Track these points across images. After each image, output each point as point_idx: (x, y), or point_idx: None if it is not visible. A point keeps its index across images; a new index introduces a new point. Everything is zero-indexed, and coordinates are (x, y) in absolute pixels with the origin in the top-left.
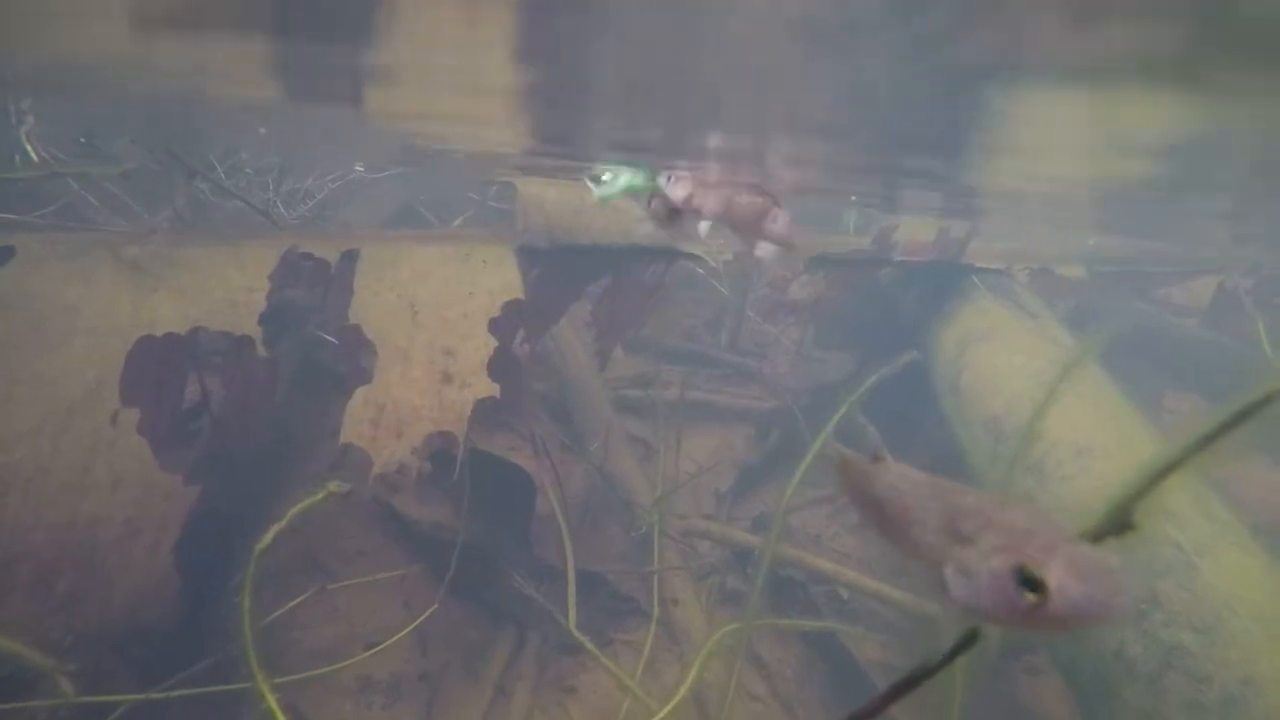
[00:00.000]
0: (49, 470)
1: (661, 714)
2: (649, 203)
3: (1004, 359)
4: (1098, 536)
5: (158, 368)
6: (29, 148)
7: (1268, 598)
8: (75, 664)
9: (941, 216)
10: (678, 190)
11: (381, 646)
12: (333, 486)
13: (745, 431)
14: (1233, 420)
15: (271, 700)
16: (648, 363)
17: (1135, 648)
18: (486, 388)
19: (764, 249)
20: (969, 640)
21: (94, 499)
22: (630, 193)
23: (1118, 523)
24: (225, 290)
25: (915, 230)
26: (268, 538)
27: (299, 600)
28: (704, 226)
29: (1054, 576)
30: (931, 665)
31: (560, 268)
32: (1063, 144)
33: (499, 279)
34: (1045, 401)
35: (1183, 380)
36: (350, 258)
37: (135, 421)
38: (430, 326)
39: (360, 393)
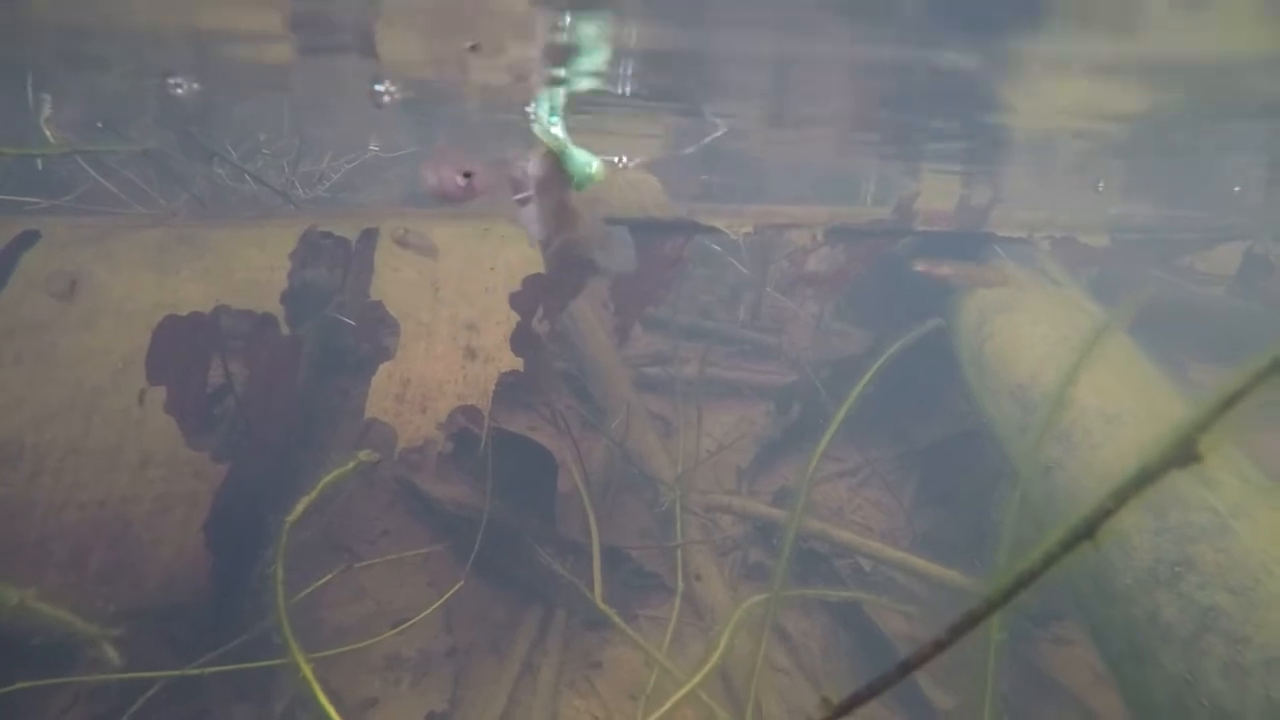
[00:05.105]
0: (80, 449)
1: (689, 685)
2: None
3: (1028, 328)
4: (1161, 469)
5: (183, 346)
6: (48, 133)
7: None
8: (119, 631)
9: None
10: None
11: (408, 624)
12: (363, 455)
13: (764, 407)
14: None
15: (307, 670)
16: (666, 341)
17: (1170, 611)
18: (510, 362)
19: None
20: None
21: (125, 477)
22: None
23: (1183, 455)
24: (247, 270)
25: (935, 199)
26: (298, 509)
27: (326, 579)
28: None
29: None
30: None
31: None
32: None
33: (519, 254)
34: (1074, 368)
35: (1208, 351)
36: (370, 235)
37: (162, 401)
38: (452, 302)
39: (384, 368)
